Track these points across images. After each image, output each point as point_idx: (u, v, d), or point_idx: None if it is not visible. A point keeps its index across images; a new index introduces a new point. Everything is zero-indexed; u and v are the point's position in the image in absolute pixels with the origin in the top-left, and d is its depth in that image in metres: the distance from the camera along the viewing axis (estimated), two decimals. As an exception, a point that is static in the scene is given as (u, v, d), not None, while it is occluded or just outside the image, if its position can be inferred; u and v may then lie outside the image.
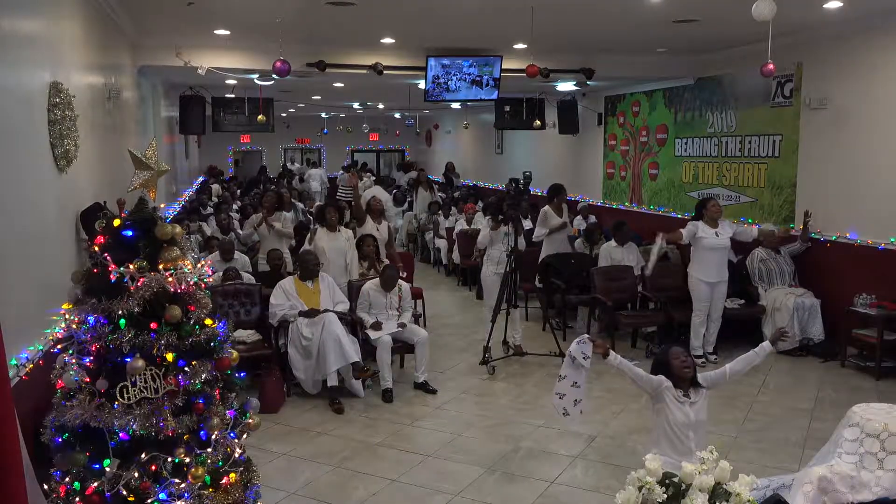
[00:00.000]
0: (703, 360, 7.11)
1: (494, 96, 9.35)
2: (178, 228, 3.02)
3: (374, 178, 19.63)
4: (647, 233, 10.33)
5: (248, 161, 23.37)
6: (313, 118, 21.65)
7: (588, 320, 7.85)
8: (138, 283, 2.86)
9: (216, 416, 2.98)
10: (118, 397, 2.86)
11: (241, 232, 9.82)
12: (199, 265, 3.10)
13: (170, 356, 2.90)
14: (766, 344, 4.16)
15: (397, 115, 21.88)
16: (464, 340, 8.06)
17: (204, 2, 6.30)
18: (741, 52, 8.63)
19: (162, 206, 8.71)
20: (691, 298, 7.21)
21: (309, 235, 7.22)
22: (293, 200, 12.07)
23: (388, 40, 8.43)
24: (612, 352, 4.01)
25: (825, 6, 6.46)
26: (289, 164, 23.09)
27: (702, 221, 7.11)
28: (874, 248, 7.12)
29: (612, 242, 8.40)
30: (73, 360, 2.88)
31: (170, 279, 2.91)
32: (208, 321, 3.05)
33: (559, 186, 8.82)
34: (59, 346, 3.02)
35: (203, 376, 2.94)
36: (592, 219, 11.82)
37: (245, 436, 3.17)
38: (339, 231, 7.25)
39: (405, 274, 7.63)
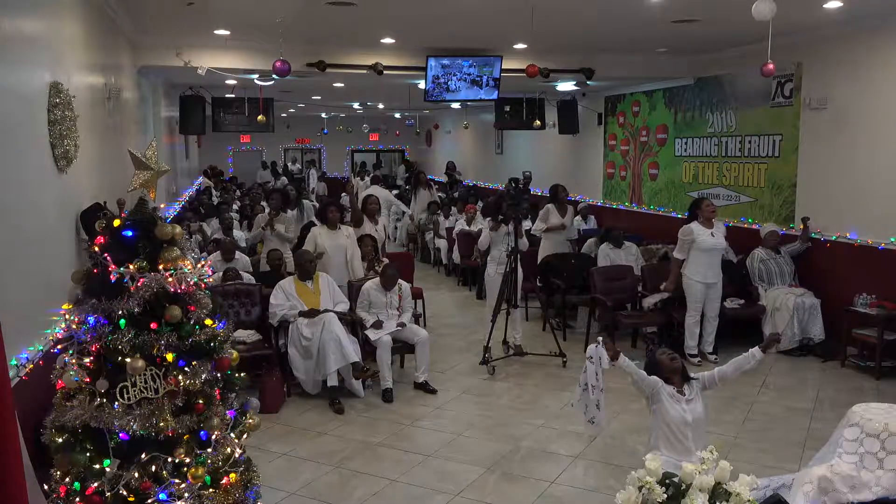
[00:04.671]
0: (700, 359, 7.12)
1: (494, 96, 9.35)
2: (178, 228, 3.01)
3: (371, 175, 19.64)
4: (647, 233, 10.37)
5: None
6: (313, 118, 21.65)
7: (588, 320, 7.85)
8: (138, 283, 2.86)
9: (216, 416, 2.98)
10: (118, 397, 2.86)
11: (243, 234, 9.85)
12: (199, 265, 3.10)
13: (170, 356, 2.89)
14: (756, 351, 4.17)
15: (397, 115, 21.88)
16: (464, 340, 8.06)
17: (204, 2, 6.29)
18: (741, 52, 8.63)
19: (162, 206, 8.71)
20: (686, 299, 7.21)
21: (308, 238, 7.22)
22: (303, 200, 12.08)
23: (388, 40, 8.43)
24: (621, 354, 4.04)
25: (825, 6, 6.46)
26: (290, 165, 23.07)
27: (696, 222, 7.10)
28: (874, 248, 7.12)
29: (610, 244, 8.48)
30: (73, 360, 2.88)
31: (170, 279, 2.91)
32: (208, 321, 3.05)
33: (560, 187, 8.89)
34: (59, 346, 3.01)
35: (203, 376, 2.94)
36: (592, 219, 11.84)
37: (245, 436, 3.17)
38: (339, 229, 7.25)
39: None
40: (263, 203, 10.72)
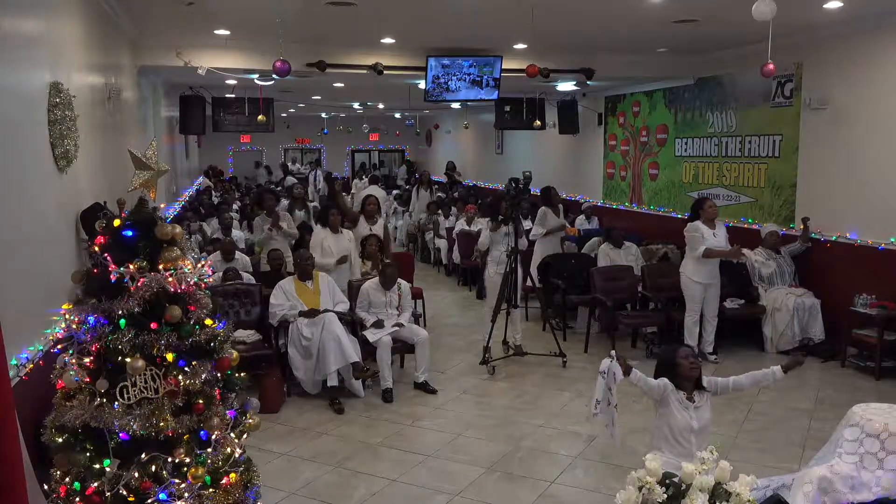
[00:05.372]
0: (700, 359, 7.10)
1: (494, 96, 9.35)
2: (178, 228, 3.01)
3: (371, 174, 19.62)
4: (647, 233, 10.37)
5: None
6: (313, 118, 21.65)
7: (588, 320, 7.85)
8: (138, 283, 2.86)
9: (216, 416, 2.98)
10: (118, 397, 2.86)
11: (242, 234, 9.84)
12: (199, 265, 3.10)
13: (170, 356, 2.89)
14: (777, 370, 4.02)
15: (397, 115, 21.88)
16: (464, 340, 8.06)
17: (204, 2, 6.29)
18: (741, 52, 8.63)
19: (162, 206, 8.71)
20: (684, 298, 7.21)
21: (313, 243, 7.23)
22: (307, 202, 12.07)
23: (388, 40, 8.43)
24: (632, 368, 3.93)
25: (825, 6, 6.46)
26: (290, 165, 23.02)
27: (699, 222, 7.10)
28: (874, 248, 7.12)
29: (610, 244, 8.49)
30: (73, 360, 2.88)
31: (170, 279, 2.91)
32: (208, 321, 3.05)
33: (553, 190, 8.93)
34: (59, 346, 3.01)
35: (203, 376, 2.94)
36: (595, 219, 11.83)
37: (245, 436, 3.17)
38: (341, 232, 7.25)
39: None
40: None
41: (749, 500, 2.78)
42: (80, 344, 2.90)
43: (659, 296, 7.68)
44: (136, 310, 2.86)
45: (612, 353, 4.00)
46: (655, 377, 4.04)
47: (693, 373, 3.96)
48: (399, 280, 6.74)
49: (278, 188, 16.24)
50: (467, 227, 10.80)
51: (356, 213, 7.89)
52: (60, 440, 2.86)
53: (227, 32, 7.77)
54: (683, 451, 3.86)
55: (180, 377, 2.90)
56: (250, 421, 3.21)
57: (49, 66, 4.27)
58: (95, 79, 5.82)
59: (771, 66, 5.98)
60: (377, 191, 11.75)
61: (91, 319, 2.87)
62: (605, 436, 4.12)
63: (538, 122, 11.64)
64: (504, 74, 9.01)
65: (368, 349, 6.34)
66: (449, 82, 8.99)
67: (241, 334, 6.30)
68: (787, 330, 7.31)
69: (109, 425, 2.82)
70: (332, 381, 6.06)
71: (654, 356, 7.24)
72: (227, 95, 11.16)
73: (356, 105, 18.07)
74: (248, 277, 7.29)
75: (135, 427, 2.81)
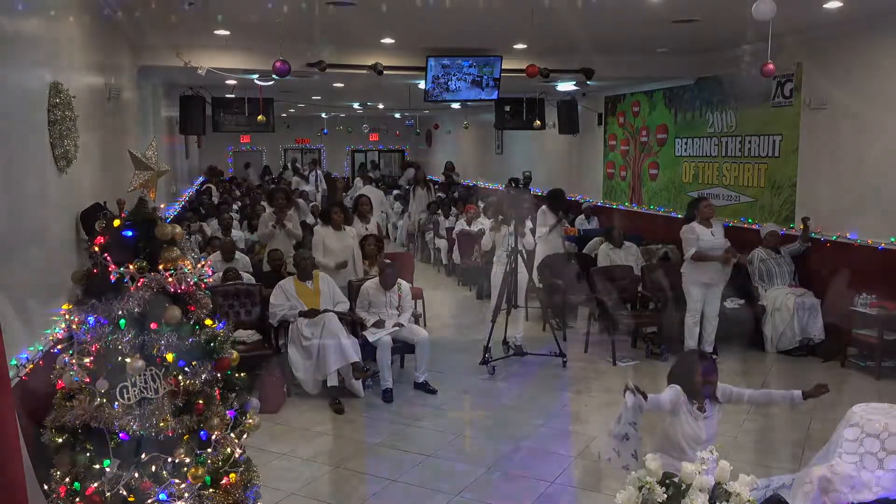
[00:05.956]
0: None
1: (494, 96, 9.34)
2: (178, 228, 3.02)
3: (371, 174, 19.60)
4: (647, 233, 10.37)
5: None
6: (313, 118, 21.64)
7: (588, 320, 7.84)
8: (138, 283, 2.86)
9: (216, 416, 2.98)
10: (118, 397, 2.86)
11: (242, 234, 9.84)
12: (199, 265, 3.10)
13: (170, 356, 2.89)
14: (797, 395, 4.00)
15: (397, 115, 21.87)
16: (464, 340, 8.05)
17: (204, 2, 6.29)
18: (741, 52, 8.61)
19: (162, 206, 8.71)
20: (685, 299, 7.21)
21: (315, 242, 7.25)
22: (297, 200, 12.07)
23: (388, 40, 8.43)
24: (648, 395, 3.81)
25: (825, 6, 6.46)
26: (297, 166, 22.94)
27: (695, 222, 7.09)
28: (874, 248, 7.12)
29: (610, 244, 8.50)
30: (73, 360, 2.88)
31: (170, 279, 2.91)
32: (208, 321, 3.05)
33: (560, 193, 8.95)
34: (59, 347, 3.02)
35: (203, 376, 2.94)
36: (595, 220, 11.82)
37: (245, 436, 3.17)
38: (344, 230, 7.26)
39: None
40: (264, 203, 10.71)
41: (749, 500, 2.78)
42: (80, 344, 2.90)
43: (659, 296, 7.68)
44: (136, 310, 2.86)
45: (629, 383, 3.81)
46: (668, 382, 4.00)
47: (705, 388, 3.89)
48: (399, 280, 6.73)
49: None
50: (467, 227, 10.80)
51: (350, 214, 7.92)
52: (60, 440, 2.86)
53: (227, 32, 7.76)
54: (686, 459, 3.83)
55: (180, 377, 2.90)
56: (250, 421, 3.22)
57: (49, 66, 4.27)
58: (95, 79, 5.82)
59: (771, 66, 5.98)
60: (371, 191, 11.76)
61: (91, 319, 2.87)
62: (617, 463, 3.97)
63: (538, 122, 11.62)
64: (504, 74, 9.00)
65: (368, 349, 6.34)
66: (449, 82, 8.99)
67: (241, 334, 6.30)
68: (787, 330, 7.31)
69: (109, 425, 2.82)
70: (332, 381, 6.07)
71: (654, 356, 7.27)
72: (227, 95, 11.14)
73: (356, 105, 18.06)
74: (248, 277, 7.29)
75: (135, 427, 2.81)
